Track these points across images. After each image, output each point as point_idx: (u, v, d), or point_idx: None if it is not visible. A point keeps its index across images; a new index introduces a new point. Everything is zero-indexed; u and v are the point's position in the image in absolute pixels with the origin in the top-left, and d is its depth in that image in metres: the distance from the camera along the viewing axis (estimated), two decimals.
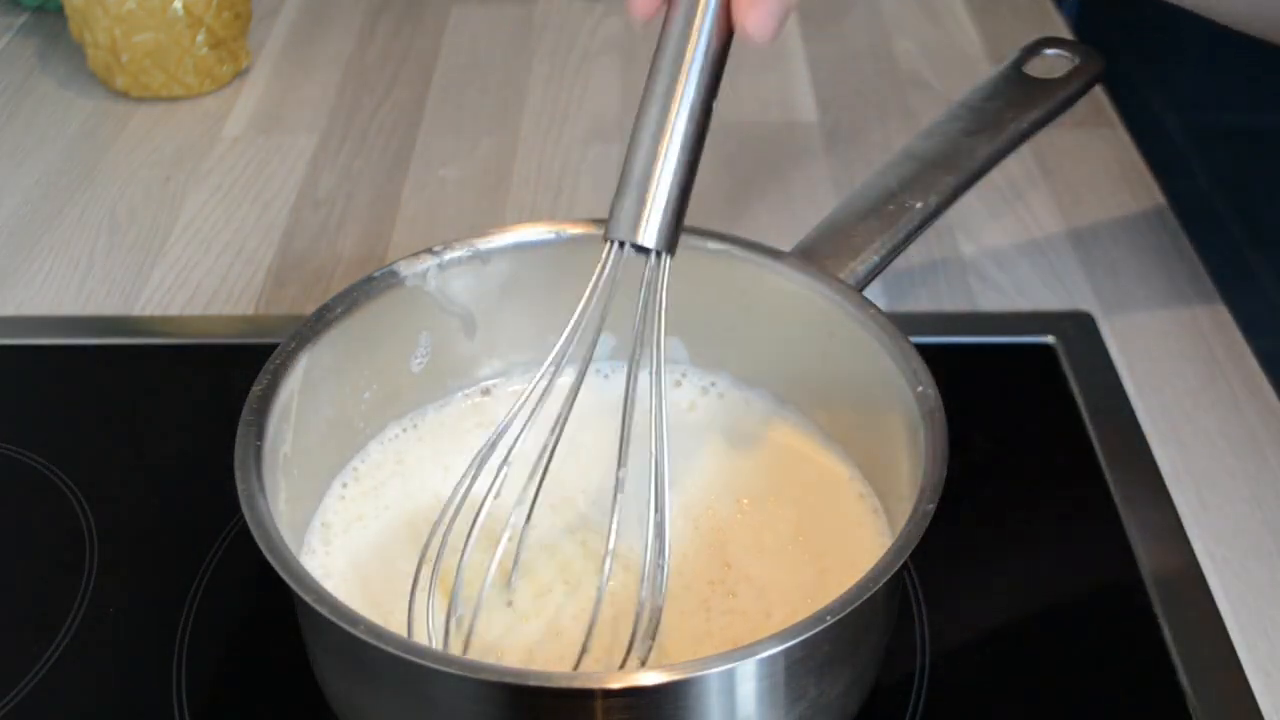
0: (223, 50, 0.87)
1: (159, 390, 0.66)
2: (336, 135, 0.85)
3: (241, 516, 0.44)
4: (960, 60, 0.90)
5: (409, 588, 0.49)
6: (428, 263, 0.54)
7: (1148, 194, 0.78)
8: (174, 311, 0.71)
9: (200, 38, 0.86)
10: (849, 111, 0.86)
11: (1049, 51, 0.66)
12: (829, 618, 0.40)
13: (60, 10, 0.89)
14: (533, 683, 0.40)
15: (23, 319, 0.71)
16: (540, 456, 0.48)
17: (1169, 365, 0.66)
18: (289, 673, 0.50)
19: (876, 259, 0.58)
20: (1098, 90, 0.80)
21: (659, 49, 0.47)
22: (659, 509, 0.46)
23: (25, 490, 0.60)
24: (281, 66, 0.92)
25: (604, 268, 0.48)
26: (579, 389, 0.48)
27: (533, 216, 0.77)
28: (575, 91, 0.89)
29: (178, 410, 0.64)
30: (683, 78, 0.47)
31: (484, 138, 0.84)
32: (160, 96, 0.87)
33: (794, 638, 0.40)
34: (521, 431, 0.48)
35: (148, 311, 0.71)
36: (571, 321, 0.48)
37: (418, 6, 0.99)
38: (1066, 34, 0.92)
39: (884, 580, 0.42)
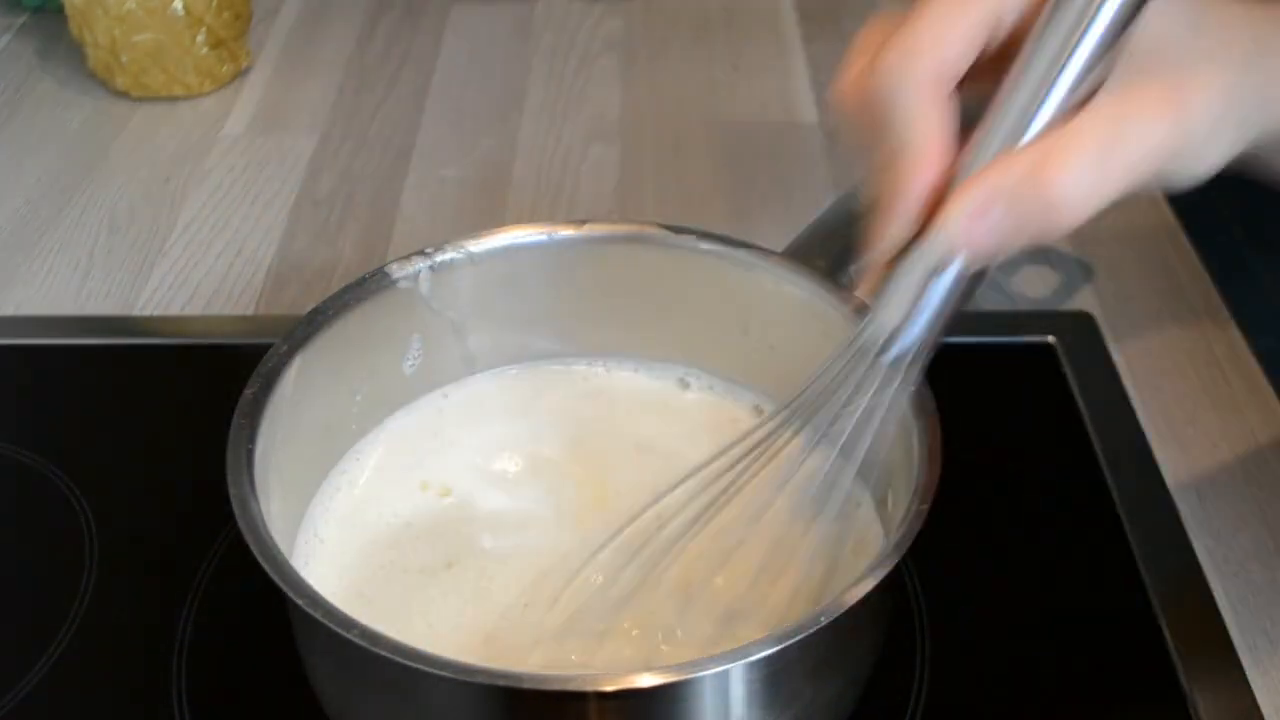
0: (223, 50, 0.87)
1: (159, 390, 0.66)
2: (336, 135, 0.85)
3: None
4: None
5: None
6: (419, 265, 0.54)
7: (1147, 194, 0.77)
8: (174, 311, 0.71)
9: (200, 38, 0.86)
10: None
11: None
12: (823, 619, 0.40)
13: (60, 10, 0.89)
14: (527, 685, 0.39)
15: (23, 319, 0.71)
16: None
17: (1169, 365, 0.66)
18: (288, 674, 0.50)
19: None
20: None
21: None
22: None
23: (25, 490, 0.60)
24: (281, 66, 0.92)
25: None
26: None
27: (533, 217, 0.77)
28: (575, 91, 0.89)
29: (178, 410, 0.64)
30: None
31: (484, 138, 0.84)
32: (160, 96, 0.88)
33: (788, 639, 0.40)
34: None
35: (148, 311, 0.71)
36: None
37: (418, 6, 0.98)
38: None
39: (878, 581, 0.41)
